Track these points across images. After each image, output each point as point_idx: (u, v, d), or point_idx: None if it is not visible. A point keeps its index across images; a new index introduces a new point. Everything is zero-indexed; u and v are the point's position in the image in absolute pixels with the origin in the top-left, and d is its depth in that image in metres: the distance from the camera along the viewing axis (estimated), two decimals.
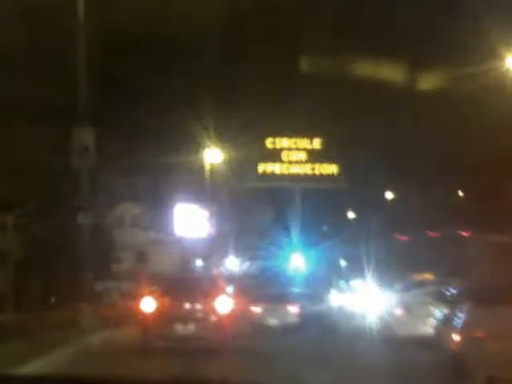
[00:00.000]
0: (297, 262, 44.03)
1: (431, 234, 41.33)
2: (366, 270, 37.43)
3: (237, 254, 50.21)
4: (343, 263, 56.24)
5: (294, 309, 27.19)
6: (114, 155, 41.30)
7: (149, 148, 41.64)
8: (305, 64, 36.31)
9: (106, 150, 39.47)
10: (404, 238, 43.41)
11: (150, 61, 38.12)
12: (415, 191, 47.00)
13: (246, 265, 50.43)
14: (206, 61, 37.63)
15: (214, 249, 45.99)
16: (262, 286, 31.97)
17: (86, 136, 22.82)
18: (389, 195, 54.45)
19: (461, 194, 51.83)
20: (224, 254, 48.85)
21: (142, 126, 40.11)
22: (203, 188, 42.27)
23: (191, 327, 16.94)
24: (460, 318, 13.40)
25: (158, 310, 17.24)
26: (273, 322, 26.51)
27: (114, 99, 37.91)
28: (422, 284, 22.15)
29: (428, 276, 23.33)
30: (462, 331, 12.97)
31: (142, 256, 52.65)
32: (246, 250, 49.12)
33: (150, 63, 38.22)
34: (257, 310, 27.19)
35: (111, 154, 40.23)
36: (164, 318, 17.03)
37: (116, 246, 50.96)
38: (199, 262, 47.58)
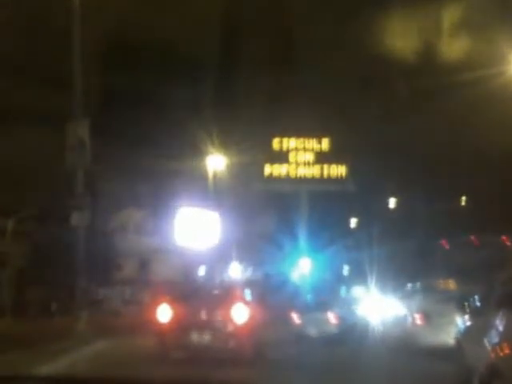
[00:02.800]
0: (303, 268, 42.35)
1: (472, 240, 40.43)
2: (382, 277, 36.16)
3: (240, 261, 48.83)
4: (347, 269, 54.67)
5: (332, 318, 27.07)
6: (117, 161, 40.41)
7: (152, 154, 40.52)
8: (310, 63, 35.15)
9: (109, 156, 38.75)
10: (447, 245, 42.45)
11: (151, 68, 37.05)
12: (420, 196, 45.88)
13: (249, 271, 49.08)
14: (207, 66, 36.59)
15: (217, 255, 44.64)
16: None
17: (80, 130, 20.90)
18: (392, 201, 53.10)
19: (464, 200, 51.23)
20: (227, 261, 47.50)
21: (146, 132, 39.02)
22: (207, 193, 40.91)
23: (207, 336, 16.35)
24: (498, 327, 11.82)
25: (173, 318, 16.65)
26: (313, 331, 26.27)
27: (117, 107, 37.52)
28: (444, 291, 21.04)
29: (451, 283, 21.92)
30: (504, 341, 11.28)
31: (144, 263, 51.71)
32: (250, 256, 47.71)
33: (151, 70, 37.10)
34: (295, 319, 27.22)
35: (114, 160, 39.49)
36: (180, 327, 16.45)
37: (118, 252, 49.78)
38: (202, 269, 46.30)
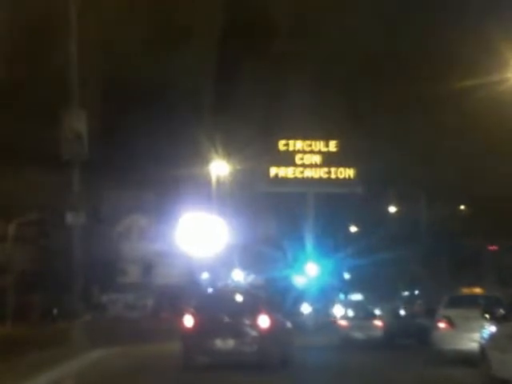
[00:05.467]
0: (310, 272, 40.66)
1: None
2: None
3: (243, 265, 47.40)
4: (349, 275, 52.96)
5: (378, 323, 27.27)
6: (123, 168, 39.34)
7: (157, 161, 39.44)
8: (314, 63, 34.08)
9: (115, 163, 37.67)
10: (493, 248, 41.50)
11: (153, 74, 35.94)
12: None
13: (252, 276, 47.65)
14: (208, 71, 35.55)
15: (221, 260, 43.26)
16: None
17: (77, 120, 18.94)
18: (392, 205, 51.57)
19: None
20: (231, 266, 46.09)
21: (151, 139, 37.96)
22: (211, 198, 39.55)
23: (231, 342, 16.04)
24: None
25: (197, 325, 16.38)
26: (359, 335, 26.60)
27: (120, 116, 36.97)
28: (470, 298, 19.98)
29: (477, 290, 20.67)
30: None
31: (148, 268, 50.67)
32: (254, 260, 46.25)
33: (152, 76, 35.95)
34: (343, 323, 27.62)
35: (120, 166, 38.44)
36: (204, 333, 16.15)
37: (123, 257, 48.69)
38: (205, 274, 44.98)
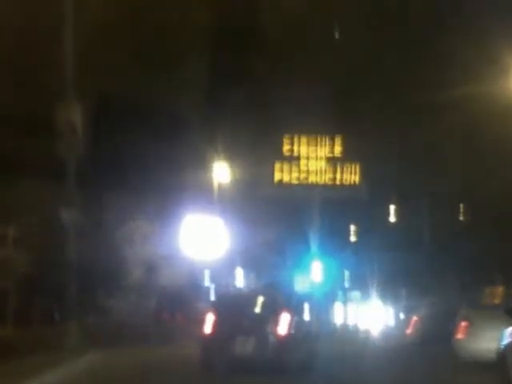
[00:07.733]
0: (313, 278, 39.85)
1: None
2: None
3: (245, 270, 46.69)
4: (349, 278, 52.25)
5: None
6: (125, 173, 38.78)
7: (160, 165, 38.62)
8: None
9: (117, 167, 36.93)
10: None
11: (155, 78, 35.31)
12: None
13: (253, 281, 46.95)
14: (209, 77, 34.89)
15: (223, 264, 42.52)
16: None
17: (71, 113, 18.00)
18: (392, 209, 50.83)
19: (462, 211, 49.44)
20: (232, 270, 45.36)
21: (153, 144, 37.23)
22: (214, 201, 38.84)
23: (251, 346, 15.48)
24: None
25: (216, 327, 15.91)
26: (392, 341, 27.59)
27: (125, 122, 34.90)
28: (490, 300, 18.99)
29: (500, 289, 19.57)
30: None
31: (151, 271, 50.05)
32: (256, 265, 45.55)
33: (154, 80, 35.32)
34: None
35: (122, 171, 37.88)
36: (223, 336, 15.67)
37: (125, 261, 47.94)
38: (207, 277, 44.29)
